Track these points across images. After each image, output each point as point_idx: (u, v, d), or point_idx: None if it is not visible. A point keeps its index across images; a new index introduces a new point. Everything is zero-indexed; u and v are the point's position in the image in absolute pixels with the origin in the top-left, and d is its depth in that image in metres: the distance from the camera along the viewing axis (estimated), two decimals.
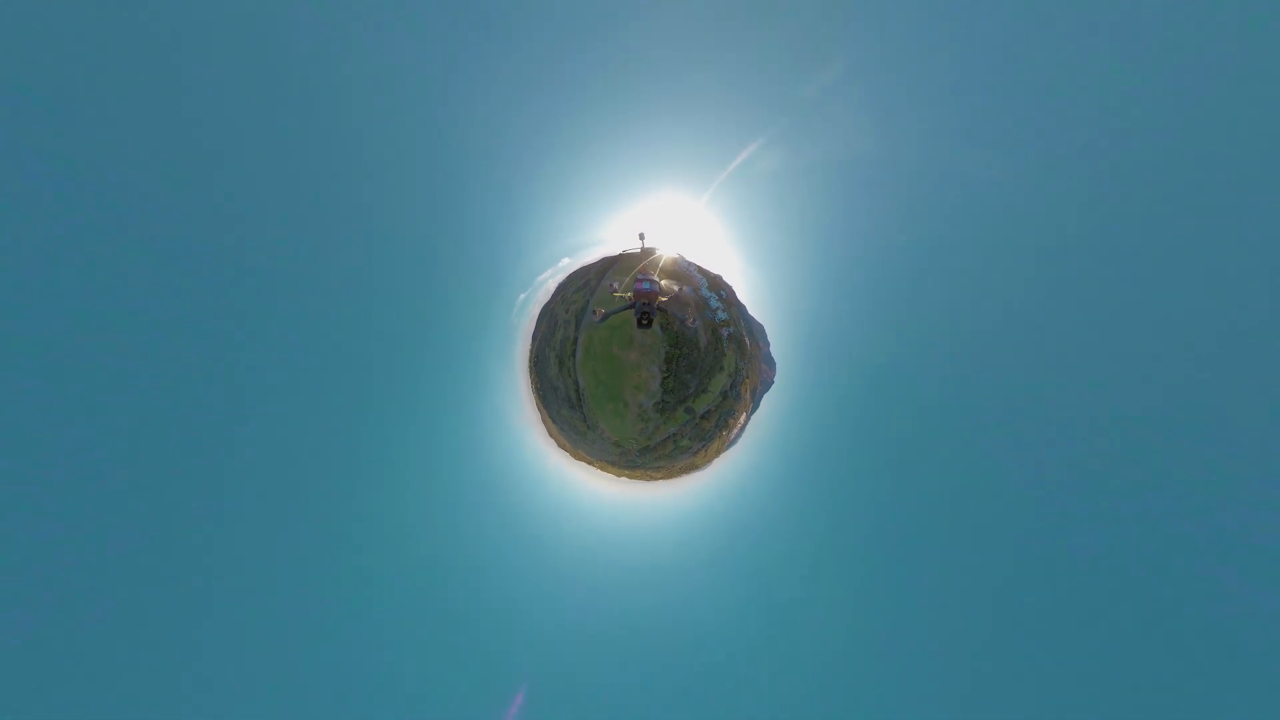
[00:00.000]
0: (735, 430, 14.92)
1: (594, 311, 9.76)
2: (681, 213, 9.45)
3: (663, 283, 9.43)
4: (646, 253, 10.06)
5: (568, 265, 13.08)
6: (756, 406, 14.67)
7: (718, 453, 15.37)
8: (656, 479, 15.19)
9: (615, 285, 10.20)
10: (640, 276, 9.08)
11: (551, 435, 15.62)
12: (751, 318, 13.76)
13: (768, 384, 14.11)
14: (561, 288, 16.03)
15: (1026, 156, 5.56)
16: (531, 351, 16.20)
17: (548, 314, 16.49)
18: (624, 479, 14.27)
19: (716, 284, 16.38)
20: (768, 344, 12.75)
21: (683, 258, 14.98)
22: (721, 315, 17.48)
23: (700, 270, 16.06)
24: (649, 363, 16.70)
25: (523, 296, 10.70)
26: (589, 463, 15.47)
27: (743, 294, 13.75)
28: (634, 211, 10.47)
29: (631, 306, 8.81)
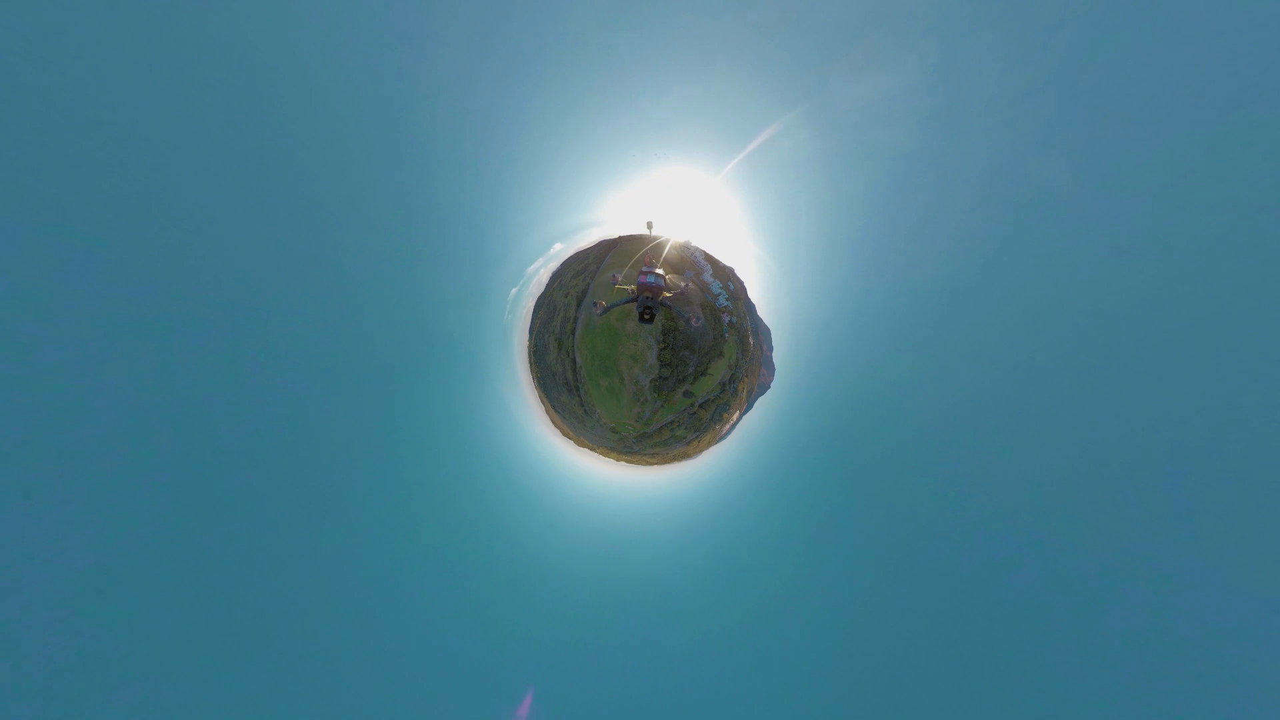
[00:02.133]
0: (728, 426, 15.11)
1: (595, 303, 9.12)
2: (692, 192, 8.34)
3: (668, 277, 8.64)
4: (653, 241, 9.12)
5: (561, 252, 11.99)
6: (750, 407, 14.64)
7: (709, 444, 15.79)
8: (651, 464, 15.89)
9: (617, 276, 9.44)
10: (644, 268, 8.34)
11: (555, 425, 16.02)
12: (759, 319, 12.93)
13: (764, 388, 13.80)
14: (557, 275, 15.00)
15: (1089, 155, 4.59)
16: (530, 344, 15.81)
17: (545, 303, 15.83)
18: (622, 463, 15.00)
19: (725, 275, 15.24)
20: (771, 348, 12.13)
21: (690, 244, 13.70)
22: (724, 302, 16.66)
23: (708, 258, 14.82)
24: (645, 333, 16.52)
25: (514, 291, 9.95)
26: (590, 448, 16.22)
27: (754, 292, 12.77)
28: (636, 189, 9.23)
29: (634, 300, 8.24)
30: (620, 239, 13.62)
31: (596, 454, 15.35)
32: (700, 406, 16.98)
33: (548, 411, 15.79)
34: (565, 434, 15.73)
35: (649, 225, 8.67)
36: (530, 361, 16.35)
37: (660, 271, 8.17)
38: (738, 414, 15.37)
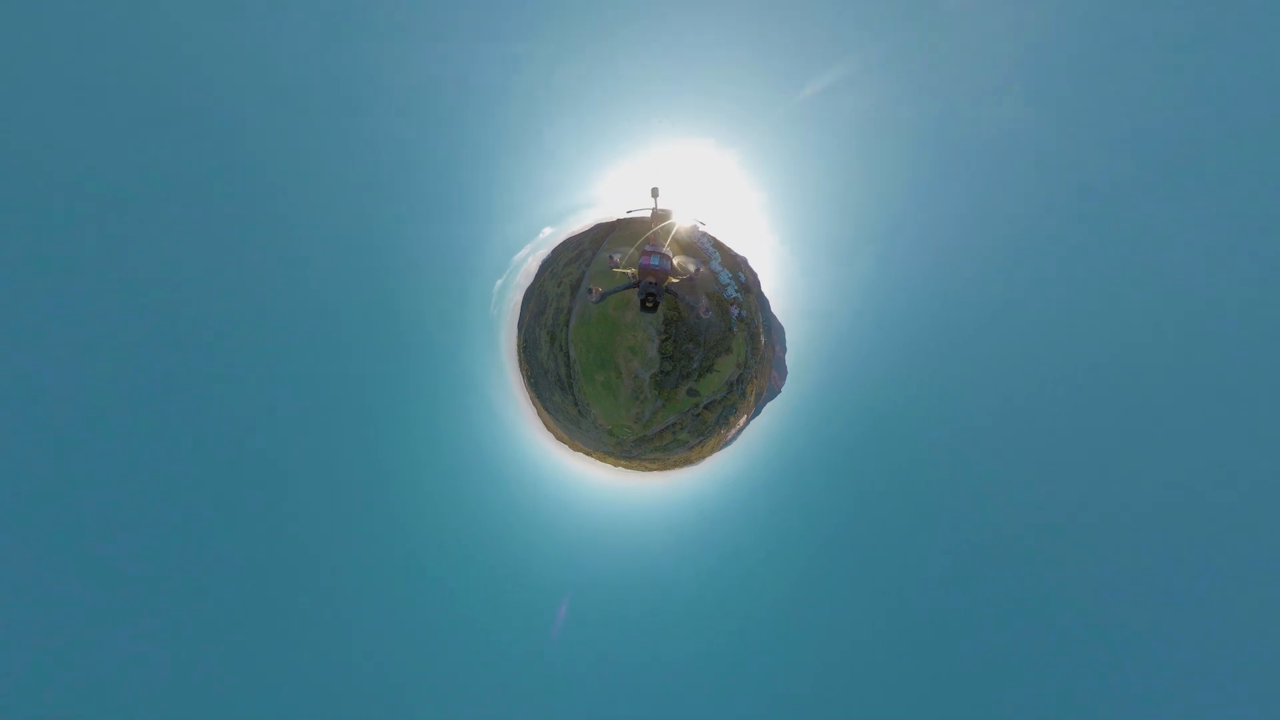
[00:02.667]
0: (734, 431, 15.07)
1: (590, 290, 8.68)
2: (703, 171, 7.95)
3: (676, 259, 8.10)
4: (659, 217, 8.55)
5: (551, 237, 11.62)
6: (758, 412, 14.56)
7: (713, 450, 15.77)
8: (651, 470, 15.89)
9: (616, 258, 8.94)
10: (648, 248, 7.81)
11: (548, 428, 15.91)
12: (773, 316, 12.69)
13: (774, 391, 13.70)
14: (548, 263, 14.61)
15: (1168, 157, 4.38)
16: (520, 339, 15.49)
17: (535, 294, 15.44)
18: (620, 468, 14.97)
19: (736, 265, 14.84)
20: (784, 349, 11.95)
21: (699, 227, 13.27)
22: (733, 293, 16.30)
23: (717, 245, 14.41)
24: (645, 323, 16.30)
25: (499, 282, 9.70)
26: (587, 453, 16.07)
27: (768, 286, 12.46)
28: (638, 165, 8.82)
29: (635, 285, 7.72)
30: (619, 222, 13.14)
31: (593, 459, 15.30)
32: (705, 408, 16.70)
33: (540, 414, 15.62)
34: (559, 438, 15.58)
35: (654, 193, 7.98)
36: (520, 359, 16.09)
37: (667, 252, 7.54)
38: (745, 418, 15.27)
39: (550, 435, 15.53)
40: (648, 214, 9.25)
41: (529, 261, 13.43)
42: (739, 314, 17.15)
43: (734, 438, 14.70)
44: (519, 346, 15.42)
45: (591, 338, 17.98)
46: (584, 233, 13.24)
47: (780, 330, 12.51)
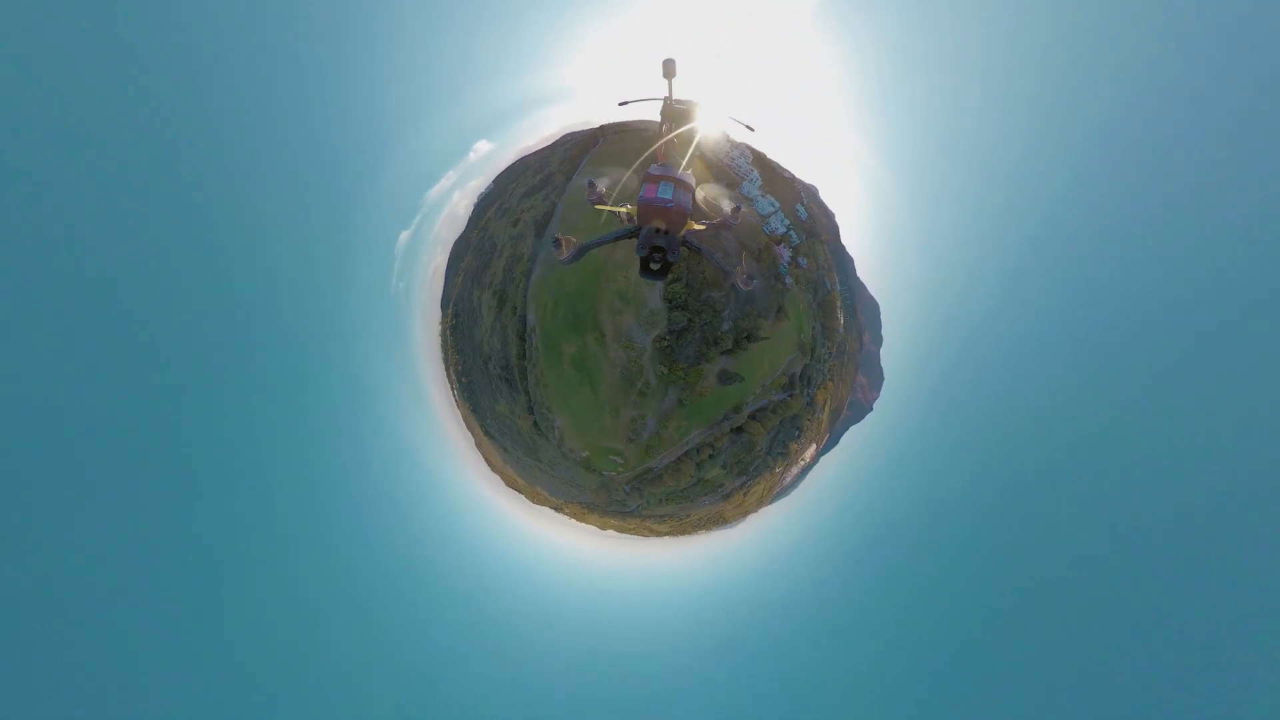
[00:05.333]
0: (795, 466, 13.80)
1: (557, 240, 7.16)
2: (745, 31, 6.79)
3: (699, 191, 6.90)
4: (673, 115, 7.12)
5: (489, 155, 10.41)
6: (835, 441, 13.31)
7: (760, 500, 14.45)
8: (660, 533, 14.31)
9: (600, 187, 7.49)
10: (654, 169, 6.58)
11: (492, 467, 14.37)
12: (860, 285, 11.39)
13: (860, 410, 12.50)
14: (491, 198, 13.02)
15: None
16: (447, 319, 14.02)
17: (472, 245, 13.95)
18: (610, 532, 13.13)
19: (795, 195, 13.14)
20: (879, 342, 10.82)
21: (731, 140, 11.83)
22: (779, 228, 14.14)
23: (760, 162, 12.69)
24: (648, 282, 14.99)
25: (406, 235, 8.90)
26: (556, 508, 14.12)
27: (852, 237, 11.29)
28: (626, 29, 7.63)
29: (634, 233, 6.51)
30: (604, 129, 11.52)
31: (565, 517, 13.40)
32: (753, 416, 14.29)
33: (477, 441, 14.01)
34: (509, 483, 13.97)
35: (667, 70, 6.58)
36: (447, 348, 14.57)
37: (685, 178, 6.24)
38: (813, 448, 13.95)
39: (496, 479, 14.13)
40: (655, 108, 7.74)
41: (455, 198, 12.13)
42: (791, 259, 14.76)
43: (795, 482, 13.34)
44: (445, 329, 13.94)
45: (564, 285, 15.95)
46: (548, 148, 11.68)
47: (872, 307, 11.24)
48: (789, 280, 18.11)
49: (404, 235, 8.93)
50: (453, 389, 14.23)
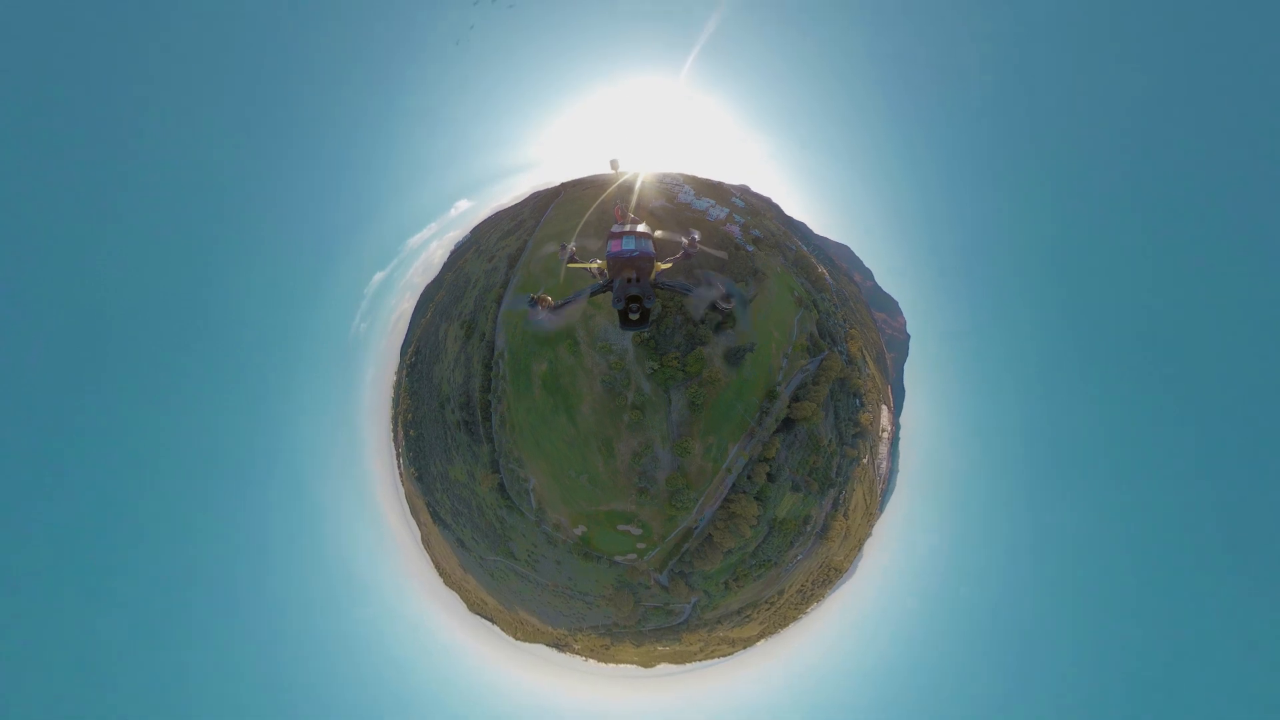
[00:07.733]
0: (881, 444, 12.37)
1: (533, 300, 7.92)
2: (656, 107, 7.79)
3: (657, 233, 7.77)
4: (623, 188, 8.16)
5: (467, 212, 11.27)
6: (901, 390, 12.42)
7: (869, 514, 11.21)
8: (749, 640, 9.72)
9: (570, 248, 8.50)
10: (614, 228, 7.57)
11: (448, 577, 11.75)
12: (824, 240, 12.48)
13: (900, 345, 12.82)
14: (466, 244, 13.60)
15: None
16: (406, 359, 13.49)
17: (447, 283, 14.27)
18: (663, 666, 9.11)
19: (724, 194, 13.87)
20: (869, 275, 11.58)
21: (666, 175, 12.72)
22: (724, 215, 15.13)
23: (688, 179, 13.52)
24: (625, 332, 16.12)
25: (380, 276, 9.45)
26: (557, 643, 10.49)
27: (796, 209, 12.57)
28: (577, 115, 8.48)
29: (607, 287, 7.37)
30: (564, 186, 12.15)
31: (578, 658, 9.57)
32: (795, 397, 11.71)
33: (426, 538, 11.49)
34: (476, 608, 10.65)
35: (614, 165, 7.84)
36: (399, 393, 13.78)
37: (643, 228, 7.14)
38: (885, 412, 12.03)
39: (453, 600, 10.49)
40: (604, 179, 8.91)
41: (433, 247, 12.83)
42: (744, 230, 15.56)
43: (892, 465, 10.90)
44: (400, 373, 13.74)
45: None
46: (519, 204, 12.35)
47: (844, 250, 12.04)
48: (750, 248, 18.74)
49: (378, 276, 9.44)
50: (397, 454, 13.51)
